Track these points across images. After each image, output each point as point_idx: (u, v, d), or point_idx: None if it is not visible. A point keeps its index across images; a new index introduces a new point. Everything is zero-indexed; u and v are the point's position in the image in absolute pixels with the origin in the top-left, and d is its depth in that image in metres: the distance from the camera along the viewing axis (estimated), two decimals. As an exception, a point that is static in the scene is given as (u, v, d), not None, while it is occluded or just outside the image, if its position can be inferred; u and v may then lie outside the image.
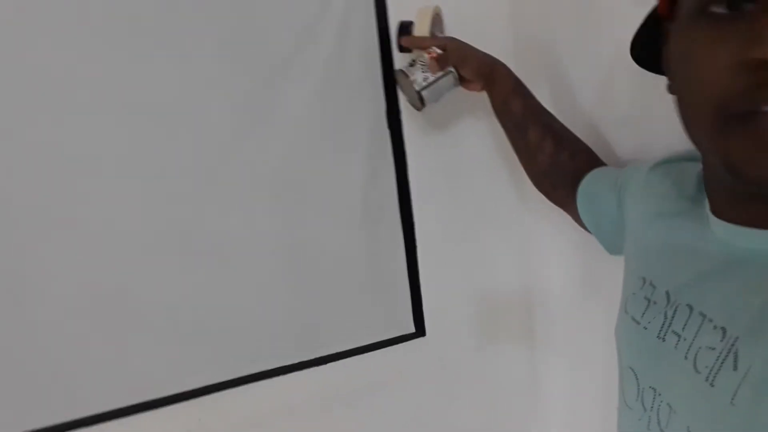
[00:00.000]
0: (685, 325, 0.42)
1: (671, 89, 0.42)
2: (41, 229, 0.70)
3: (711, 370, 0.38)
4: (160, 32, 0.72)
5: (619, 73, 0.70)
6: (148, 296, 0.76)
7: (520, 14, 0.89)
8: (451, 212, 0.92)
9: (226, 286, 0.79)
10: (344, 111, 0.83)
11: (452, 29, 0.84)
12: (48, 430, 0.73)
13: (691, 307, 0.42)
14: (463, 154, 0.91)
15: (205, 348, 0.80)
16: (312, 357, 0.86)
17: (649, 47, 0.47)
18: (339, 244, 0.85)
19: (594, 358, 0.85)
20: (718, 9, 0.34)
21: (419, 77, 0.78)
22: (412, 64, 0.79)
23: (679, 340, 0.42)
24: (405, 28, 0.81)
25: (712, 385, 0.37)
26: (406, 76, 0.78)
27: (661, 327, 0.44)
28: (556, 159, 0.72)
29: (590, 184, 0.67)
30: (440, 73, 0.78)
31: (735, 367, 0.36)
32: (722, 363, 0.37)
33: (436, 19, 0.80)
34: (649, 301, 0.47)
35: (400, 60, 0.84)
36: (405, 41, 0.80)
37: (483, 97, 0.80)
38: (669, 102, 0.41)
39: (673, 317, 0.44)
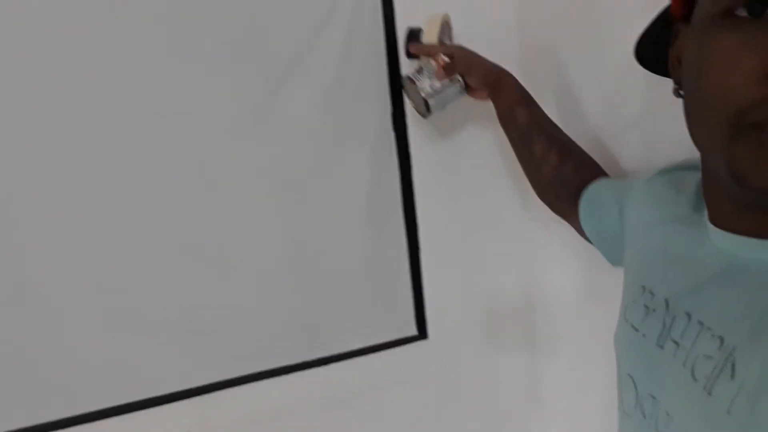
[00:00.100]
0: (684, 333, 0.42)
1: (678, 92, 0.41)
2: (44, 228, 0.70)
3: (708, 379, 0.37)
4: (167, 34, 0.73)
5: (626, 82, 0.70)
6: (150, 295, 0.76)
7: (528, 22, 0.89)
8: (454, 216, 0.93)
9: (228, 285, 0.80)
10: (350, 113, 0.83)
11: (460, 37, 0.84)
12: (49, 425, 0.73)
13: (689, 315, 0.42)
14: (468, 157, 0.92)
15: (206, 346, 0.80)
16: (313, 357, 0.86)
17: (654, 48, 0.47)
18: (342, 245, 0.85)
19: (595, 363, 0.86)
20: (742, 13, 0.33)
21: (426, 84, 0.78)
22: (419, 71, 0.79)
23: (677, 348, 0.42)
24: (413, 34, 0.81)
25: (709, 393, 0.37)
26: (413, 82, 0.79)
27: (660, 334, 0.44)
28: (561, 171, 0.72)
29: (592, 195, 0.68)
30: (447, 81, 0.78)
31: (732, 376, 0.36)
32: (720, 372, 0.37)
33: (445, 27, 0.81)
34: (648, 308, 0.47)
35: (406, 64, 0.84)
36: (413, 48, 0.81)
37: (489, 103, 0.80)
38: (676, 110, 0.40)
39: (671, 325, 0.44)
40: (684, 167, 0.55)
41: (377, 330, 0.90)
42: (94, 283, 0.73)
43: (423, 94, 0.78)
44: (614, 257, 0.66)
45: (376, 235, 0.87)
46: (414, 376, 0.94)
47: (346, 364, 0.88)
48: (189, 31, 0.74)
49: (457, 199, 0.92)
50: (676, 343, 0.42)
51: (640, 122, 0.70)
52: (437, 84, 0.78)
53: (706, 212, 0.44)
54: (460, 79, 0.79)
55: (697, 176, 0.49)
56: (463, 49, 0.79)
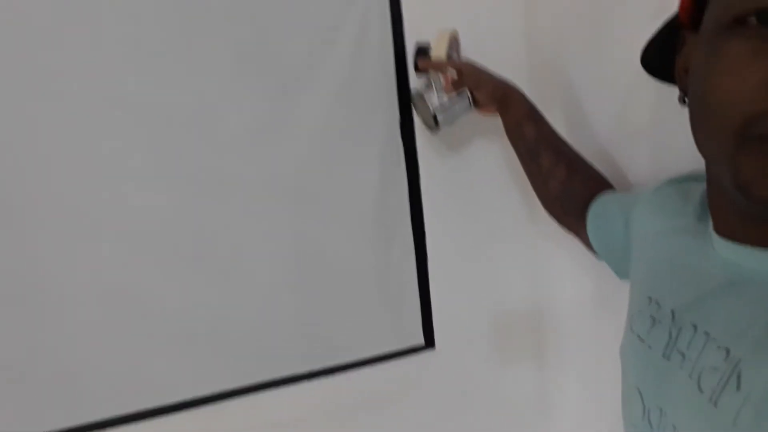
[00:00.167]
0: (690, 344, 0.42)
1: (684, 100, 0.41)
2: (53, 232, 0.71)
3: (714, 390, 0.37)
4: (178, 40, 0.73)
5: (634, 95, 0.70)
6: (158, 303, 0.76)
7: (535, 37, 0.90)
8: (462, 227, 0.93)
9: (237, 293, 0.80)
10: (359, 126, 0.84)
11: (468, 52, 0.86)
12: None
13: (695, 327, 0.42)
14: (476, 170, 0.93)
15: (212, 356, 0.80)
16: (321, 367, 0.86)
17: (661, 55, 0.46)
18: (350, 255, 0.86)
19: (603, 375, 0.85)
20: (753, 21, 0.33)
21: (435, 100, 0.79)
22: (428, 86, 0.80)
23: (683, 360, 0.42)
24: (422, 50, 0.82)
25: (715, 405, 0.37)
26: (422, 98, 0.80)
27: (666, 346, 0.44)
28: (568, 185, 0.72)
29: (599, 209, 0.68)
30: (455, 96, 0.79)
31: (738, 388, 0.35)
32: (726, 383, 0.36)
33: (453, 42, 0.81)
34: (654, 319, 0.47)
35: (415, 79, 0.85)
36: (422, 63, 0.81)
37: (496, 117, 0.81)
38: (684, 123, 0.40)
39: (677, 336, 0.43)
40: (691, 178, 0.55)
41: (385, 340, 0.90)
42: (100, 290, 0.74)
43: (432, 109, 0.79)
44: (622, 270, 0.66)
45: (385, 245, 0.88)
46: (421, 386, 0.94)
47: (353, 373, 0.88)
48: (203, 42, 0.75)
49: (465, 211, 0.93)
50: (682, 354, 0.42)
51: (648, 137, 0.70)
52: (446, 99, 0.79)
53: (710, 222, 0.44)
54: (468, 94, 0.80)
55: (703, 186, 0.49)
56: (471, 65, 0.80)
